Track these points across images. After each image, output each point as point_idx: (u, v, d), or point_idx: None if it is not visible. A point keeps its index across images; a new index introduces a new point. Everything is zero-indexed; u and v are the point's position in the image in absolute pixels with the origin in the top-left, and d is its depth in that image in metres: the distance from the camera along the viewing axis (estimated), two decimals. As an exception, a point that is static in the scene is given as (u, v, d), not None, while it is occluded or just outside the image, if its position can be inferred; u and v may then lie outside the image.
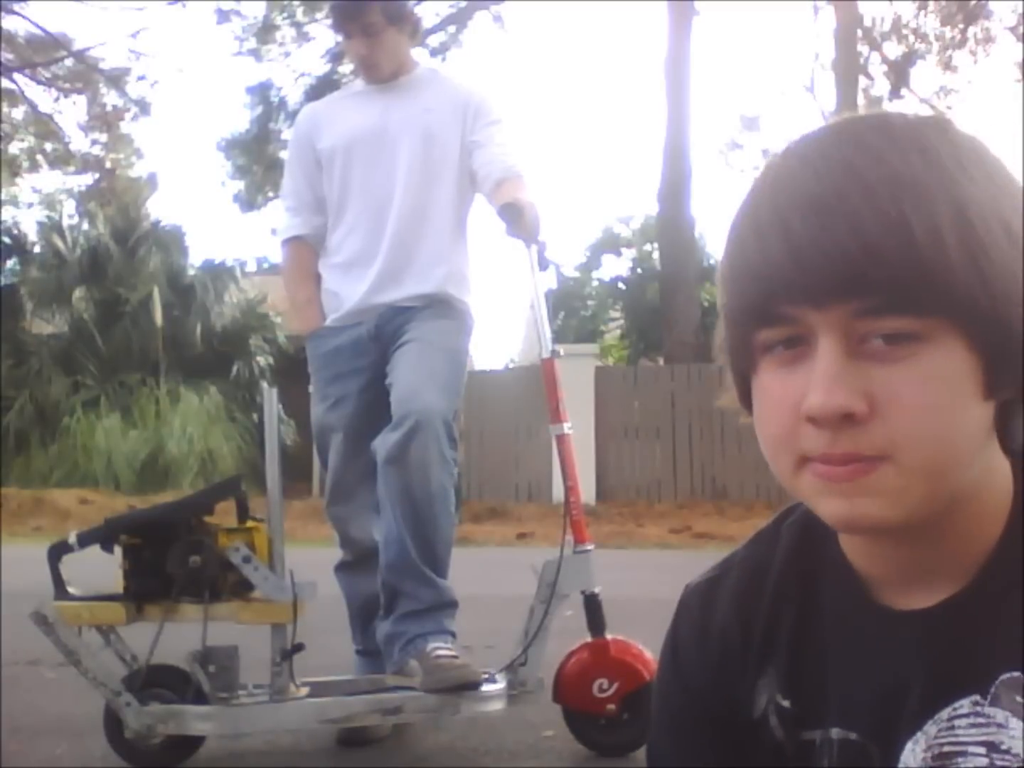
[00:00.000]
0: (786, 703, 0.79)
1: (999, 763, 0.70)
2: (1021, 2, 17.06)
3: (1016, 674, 0.71)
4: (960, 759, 0.72)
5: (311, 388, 2.92)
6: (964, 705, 0.72)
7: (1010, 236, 0.66)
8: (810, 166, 0.68)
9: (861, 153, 0.67)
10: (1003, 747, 0.71)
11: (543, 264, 2.69)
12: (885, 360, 0.66)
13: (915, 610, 0.74)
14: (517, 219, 2.62)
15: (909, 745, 0.74)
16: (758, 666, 0.81)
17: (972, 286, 0.65)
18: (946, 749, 0.72)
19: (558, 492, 10.48)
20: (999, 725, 0.71)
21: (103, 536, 2.46)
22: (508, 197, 2.68)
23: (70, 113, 27.55)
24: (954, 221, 0.65)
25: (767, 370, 0.71)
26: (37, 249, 14.61)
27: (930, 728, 0.73)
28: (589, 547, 2.58)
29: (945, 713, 0.73)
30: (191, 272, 14.48)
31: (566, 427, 2.62)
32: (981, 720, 0.72)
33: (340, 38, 2.97)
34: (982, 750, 0.71)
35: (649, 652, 2.51)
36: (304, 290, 2.94)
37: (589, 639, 2.56)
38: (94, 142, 21.79)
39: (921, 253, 0.64)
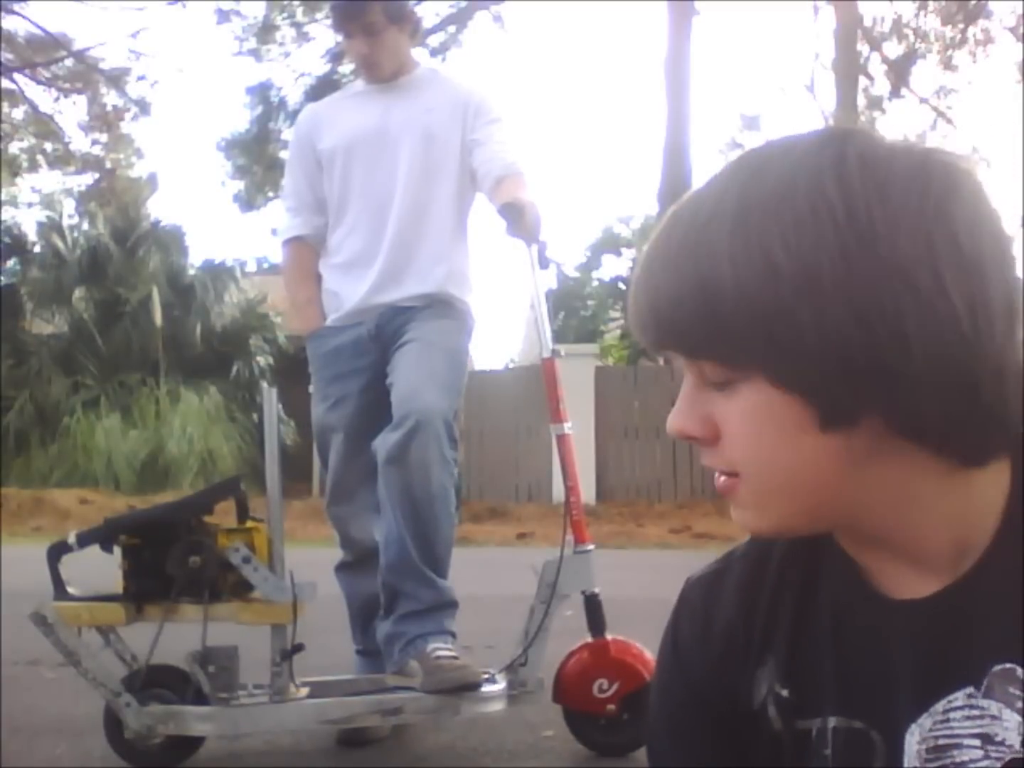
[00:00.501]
0: (784, 692, 0.80)
1: (994, 755, 0.71)
2: (1021, 2, 17.07)
3: (1009, 665, 0.71)
4: (955, 752, 0.72)
5: (311, 388, 2.92)
6: (959, 697, 0.72)
7: (778, 278, 0.66)
8: (665, 222, 0.72)
9: (688, 213, 0.71)
10: (997, 739, 0.71)
11: (544, 263, 2.69)
12: (721, 391, 0.71)
13: (909, 600, 0.75)
14: (517, 218, 2.62)
15: (905, 737, 0.74)
16: (758, 656, 0.81)
17: (754, 339, 0.67)
18: (941, 742, 0.73)
19: (558, 492, 10.47)
20: (993, 717, 0.71)
21: (103, 536, 2.46)
22: (508, 196, 2.67)
23: (70, 113, 27.55)
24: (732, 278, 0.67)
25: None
26: (37, 249, 14.60)
27: (925, 721, 0.73)
28: (589, 547, 2.57)
29: (940, 706, 0.73)
30: (191, 272, 14.47)
31: (566, 427, 2.61)
32: (975, 712, 0.72)
33: (340, 38, 2.97)
34: (977, 742, 0.72)
35: (649, 652, 2.51)
36: (304, 290, 2.94)
37: (589, 639, 2.55)
38: (94, 142, 21.80)
39: (716, 309, 0.67)
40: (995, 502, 0.73)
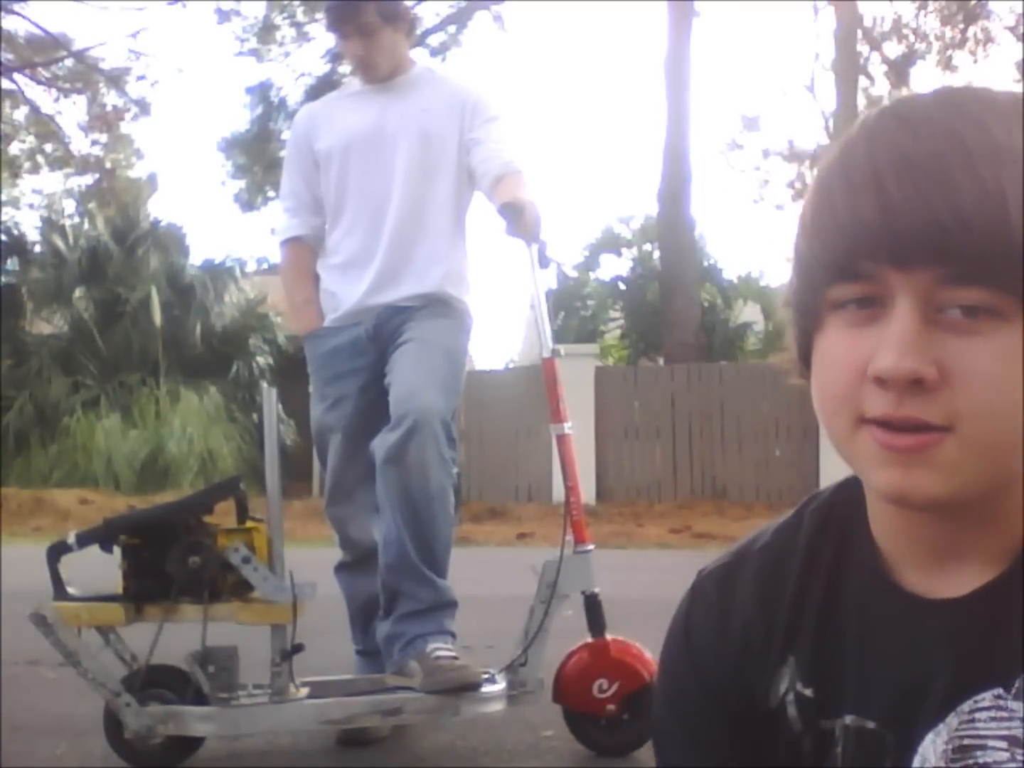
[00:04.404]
0: (808, 692, 0.77)
1: (1020, 758, 0.69)
2: (1021, 2, 17.07)
3: None
4: (979, 753, 0.70)
5: (311, 388, 2.92)
6: (986, 698, 0.71)
7: None
8: (910, 126, 0.67)
9: (964, 120, 0.66)
10: None
11: (544, 262, 2.69)
12: (961, 331, 0.65)
13: (946, 599, 0.72)
14: (517, 218, 2.61)
15: (930, 736, 0.72)
16: (779, 654, 0.79)
17: None
18: (967, 742, 0.71)
19: (558, 492, 10.46)
20: (1022, 720, 0.70)
21: (102, 536, 2.46)
22: (508, 195, 2.67)
23: (70, 113, 27.56)
24: None
25: (835, 327, 0.70)
26: (37, 249, 14.60)
27: (952, 720, 0.72)
28: (589, 547, 2.57)
29: (967, 706, 0.71)
30: (191, 272, 14.45)
31: (566, 427, 2.61)
32: (1003, 714, 0.70)
33: (336, 39, 2.96)
34: (1003, 744, 0.70)
35: (649, 652, 2.51)
36: (302, 291, 2.93)
37: (589, 639, 2.55)
38: (94, 142, 21.79)
39: (1013, 228, 0.63)
40: None
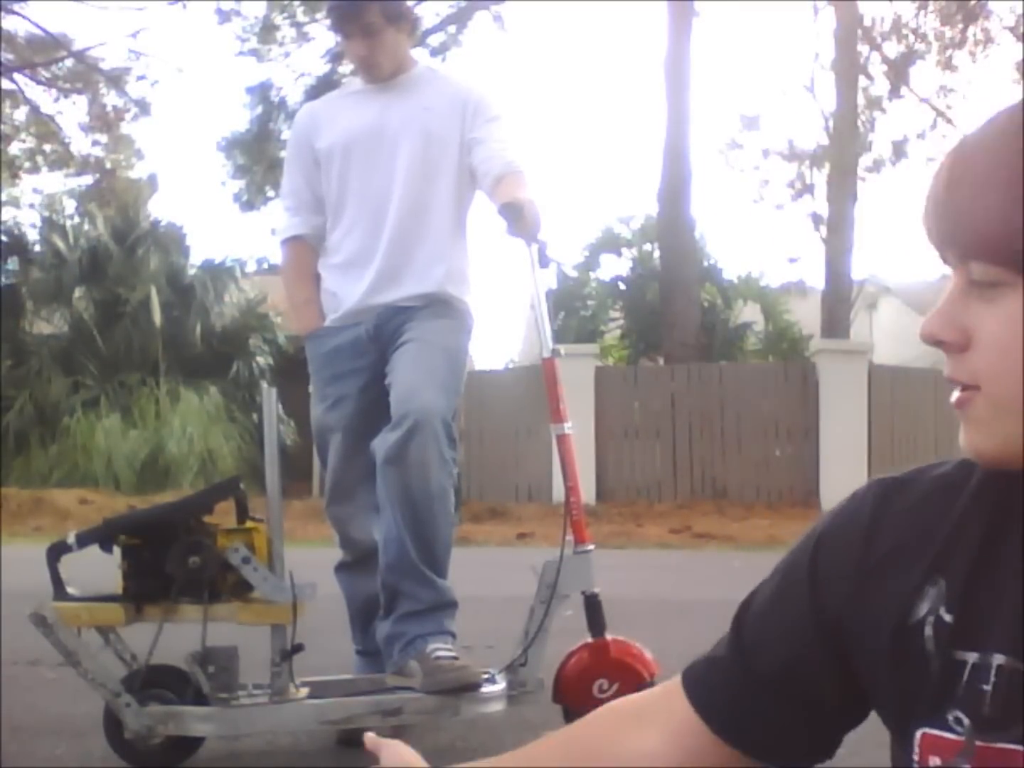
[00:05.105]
0: (948, 617, 0.78)
1: None
2: (1021, 2, 17.07)
3: None
4: None
5: (311, 388, 2.92)
6: None
7: None
8: (975, 132, 0.75)
9: (1002, 135, 0.74)
10: None
11: (544, 262, 2.69)
12: (981, 299, 0.73)
13: None
14: (517, 218, 2.61)
15: None
16: (927, 573, 0.79)
17: None
18: None
19: (558, 492, 10.46)
20: None
21: (102, 536, 2.45)
22: (508, 195, 2.67)
23: (70, 114, 27.55)
24: None
25: None
26: (37, 249, 14.61)
27: None
28: (589, 547, 2.57)
29: None
30: (191, 272, 14.47)
31: (567, 427, 2.61)
32: None
33: (339, 39, 2.96)
34: None
35: (649, 652, 2.51)
36: (303, 290, 2.93)
37: (589, 639, 2.55)
38: (94, 143, 21.79)
39: (998, 213, 0.71)
40: None
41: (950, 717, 0.76)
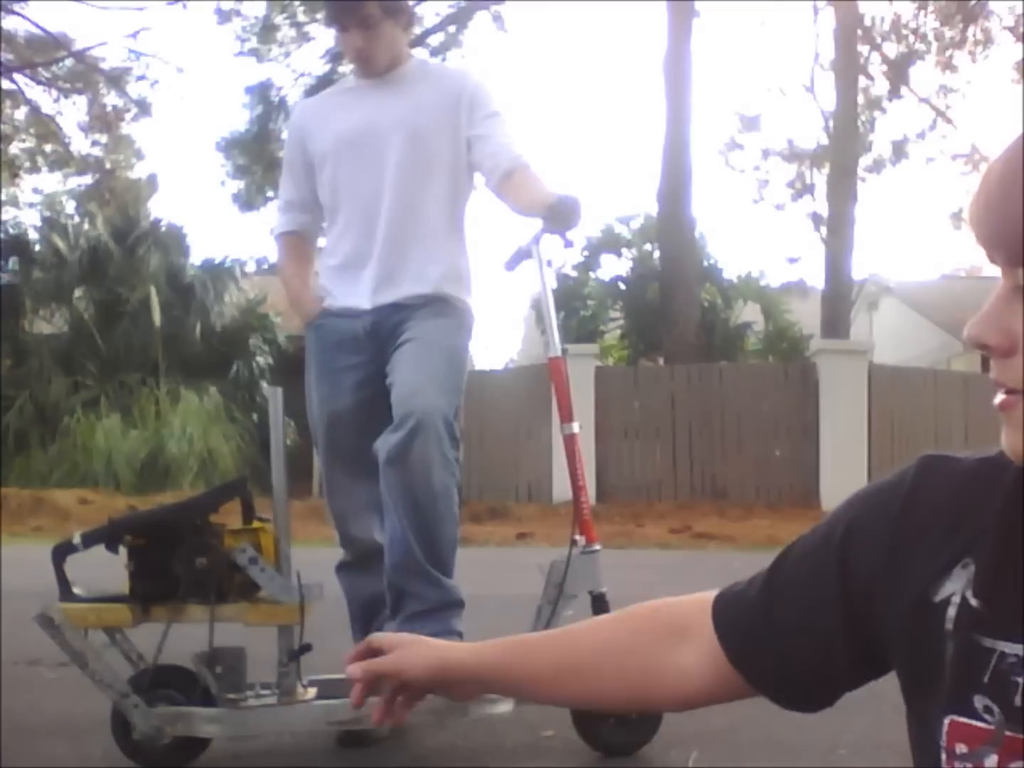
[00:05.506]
0: (974, 601, 0.78)
1: None
2: (1021, 2, 17.08)
3: None
4: None
5: (306, 376, 2.91)
6: None
7: None
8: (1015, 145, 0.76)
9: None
10: None
11: (568, 243, 2.67)
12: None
13: None
14: (571, 215, 2.59)
15: None
16: (960, 554, 0.80)
17: None
18: None
19: (558, 492, 10.47)
20: None
21: (108, 536, 2.44)
22: (535, 193, 2.65)
23: (70, 114, 27.53)
24: None
25: None
26: (37, 249, 14.60)
27: None
28: (597, 547, 2.56)
29: None
30: (191, 272, 14.46)
31: (575, 427, 2.61)
32: None
33: (335, 32, 2.94)
34: None
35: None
36: (298, 277, 2.92)
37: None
38: (94, 143, 21.79)
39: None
40: None
41: (979, 705, 0.76)
